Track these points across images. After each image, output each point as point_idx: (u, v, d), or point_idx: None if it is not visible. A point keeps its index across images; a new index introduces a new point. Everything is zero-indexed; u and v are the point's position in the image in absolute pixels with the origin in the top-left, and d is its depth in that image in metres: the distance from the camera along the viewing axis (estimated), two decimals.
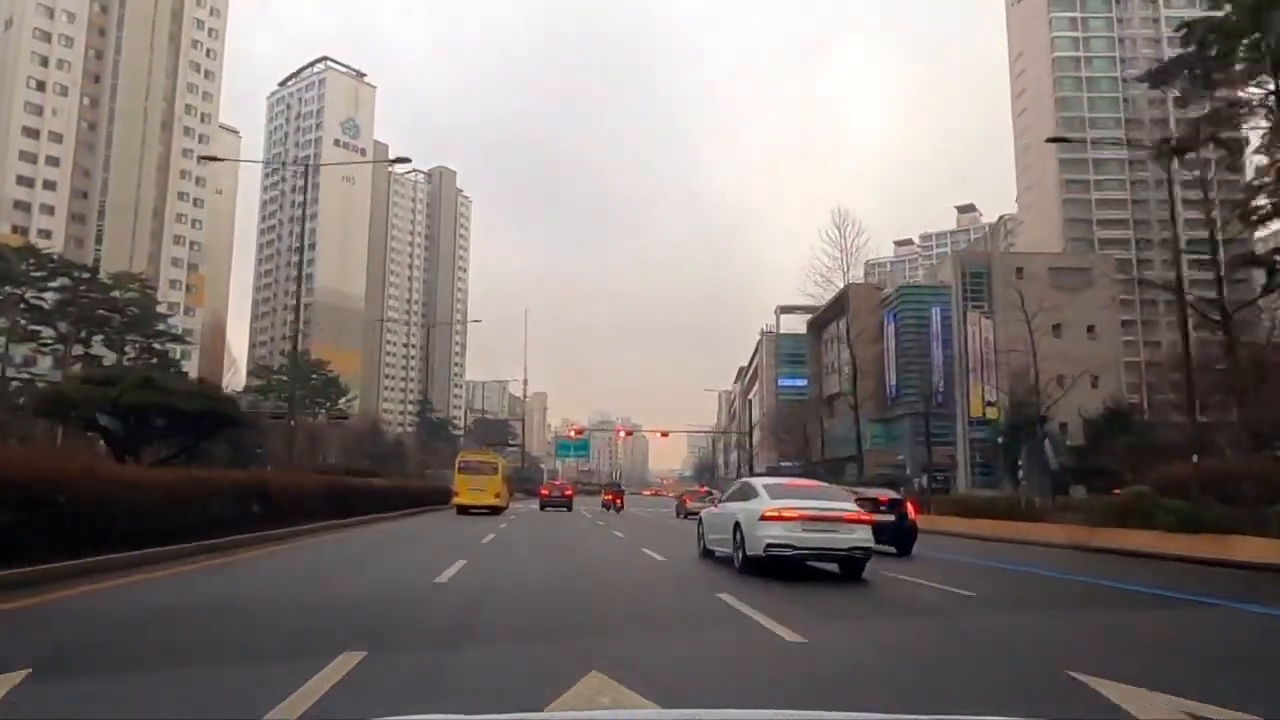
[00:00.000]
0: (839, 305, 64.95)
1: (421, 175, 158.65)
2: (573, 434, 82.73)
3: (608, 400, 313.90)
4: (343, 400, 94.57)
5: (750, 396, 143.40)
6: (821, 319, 78.55)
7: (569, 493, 43.00)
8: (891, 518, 16.43)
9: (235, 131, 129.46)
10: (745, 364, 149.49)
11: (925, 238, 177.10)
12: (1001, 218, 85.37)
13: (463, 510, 31.34)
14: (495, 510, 31.76)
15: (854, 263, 39.79)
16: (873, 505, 15.69)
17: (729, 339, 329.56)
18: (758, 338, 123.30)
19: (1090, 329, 51.61)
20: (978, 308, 59.56)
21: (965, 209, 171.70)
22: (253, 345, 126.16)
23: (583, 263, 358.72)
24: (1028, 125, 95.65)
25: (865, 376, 51.99)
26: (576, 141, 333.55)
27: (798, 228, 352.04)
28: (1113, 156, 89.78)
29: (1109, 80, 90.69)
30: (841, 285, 40.66)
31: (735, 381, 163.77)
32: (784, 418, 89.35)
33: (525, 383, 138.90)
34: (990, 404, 54.04)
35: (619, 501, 39.11)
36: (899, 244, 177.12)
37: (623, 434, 70.62)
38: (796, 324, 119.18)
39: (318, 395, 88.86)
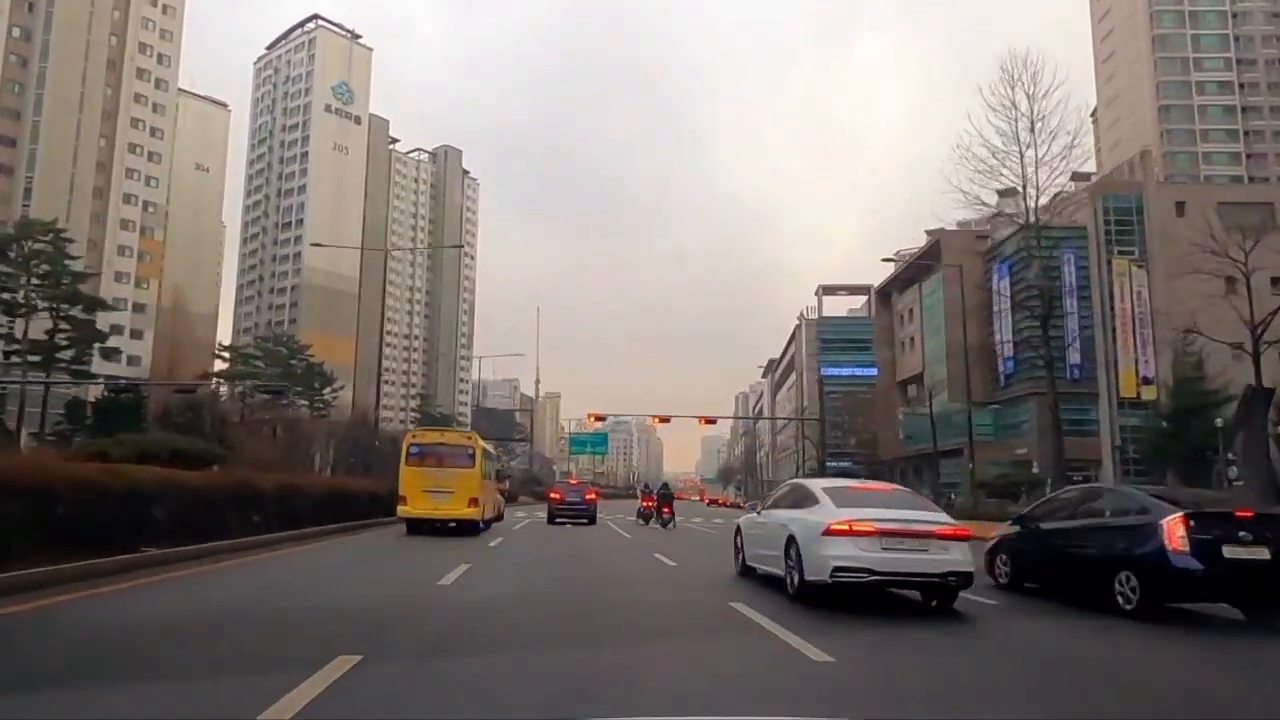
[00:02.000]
0: (924, 262, 52.43)
1: (425, 154, 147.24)
2: (591, 420, 70.30)
3: (620, 404, 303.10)
4: (327, 390, 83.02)
5: (781, 391, 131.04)
6: (895, 283, 65.27)
7: (590, 497, 29.50)
8: (1265, 553, 8.33)
9: (224, 105, 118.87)
10: (776, 356, 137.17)
11: (963, 224, 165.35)
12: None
13: (416, 527, 18.56)
14: (469, 527, 18.67)
15: (1045, 137, 26.84)
16: (1225, 525, 8.46)
17: (745, 340, 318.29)
18: (796, 322, 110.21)
19: (1276, 281, 39.28)
20: (1126, 254, 46.31)
21: (1006, 193, 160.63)
22: (237, 332, 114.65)
23: (592, 265, 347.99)
24: (1115, 70, 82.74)
25: (966, 349, 40.23)
26: (587, 141, 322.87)
27: (818, 225, 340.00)
28: (1220, 101, 77.00)
29: (1216, 14, 77.63)
30: (1018, 182, 28.22)
31: (764, 375, 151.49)
32: (829, 410, 78.75)
33: (537, 382, 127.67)
34: (1147, 381, 41.20)
35: (668, 511, 26.23)
36: (930, 233, 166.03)
37: (656, 421, 58.35)
38: (840, 306, 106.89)
39: (299, 384, 77.32)
